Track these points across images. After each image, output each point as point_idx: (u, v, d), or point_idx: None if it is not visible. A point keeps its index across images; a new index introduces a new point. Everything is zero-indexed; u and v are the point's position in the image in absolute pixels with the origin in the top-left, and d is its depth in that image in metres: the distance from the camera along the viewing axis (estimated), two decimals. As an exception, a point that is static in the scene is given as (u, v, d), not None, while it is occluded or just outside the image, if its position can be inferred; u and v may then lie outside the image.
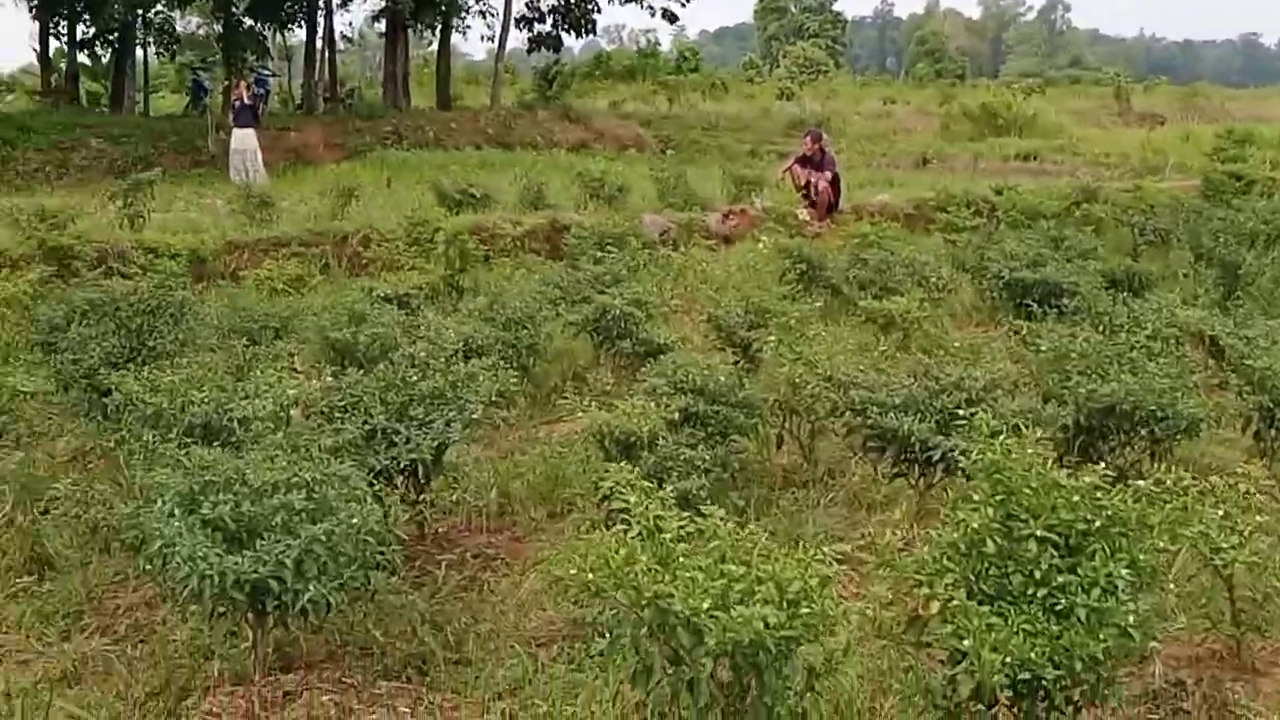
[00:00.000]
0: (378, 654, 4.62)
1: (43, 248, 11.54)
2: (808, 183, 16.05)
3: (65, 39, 31.52)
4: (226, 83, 28.72)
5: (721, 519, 3.49)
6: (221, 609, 3.95)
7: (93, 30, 30.26)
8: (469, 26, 40.26)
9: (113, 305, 7.42)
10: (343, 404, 5.61)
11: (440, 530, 6.02)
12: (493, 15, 35.24)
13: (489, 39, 36.08)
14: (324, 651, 4.67)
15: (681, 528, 3.34)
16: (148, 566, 4.44)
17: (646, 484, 3.65)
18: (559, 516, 6.23)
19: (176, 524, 3.94)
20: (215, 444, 4.96)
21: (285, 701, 4.27)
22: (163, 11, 28.87)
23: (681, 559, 3.20)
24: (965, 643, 3.33)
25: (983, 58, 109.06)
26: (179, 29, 31.82)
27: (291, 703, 4.25)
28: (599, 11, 36.35)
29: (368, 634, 4.71)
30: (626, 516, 3.58)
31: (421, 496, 5.69)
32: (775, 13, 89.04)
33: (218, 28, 30.47)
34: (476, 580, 5.49)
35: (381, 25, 36.52)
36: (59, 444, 7.18)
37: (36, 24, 30.97)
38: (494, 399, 5.93)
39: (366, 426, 5.40)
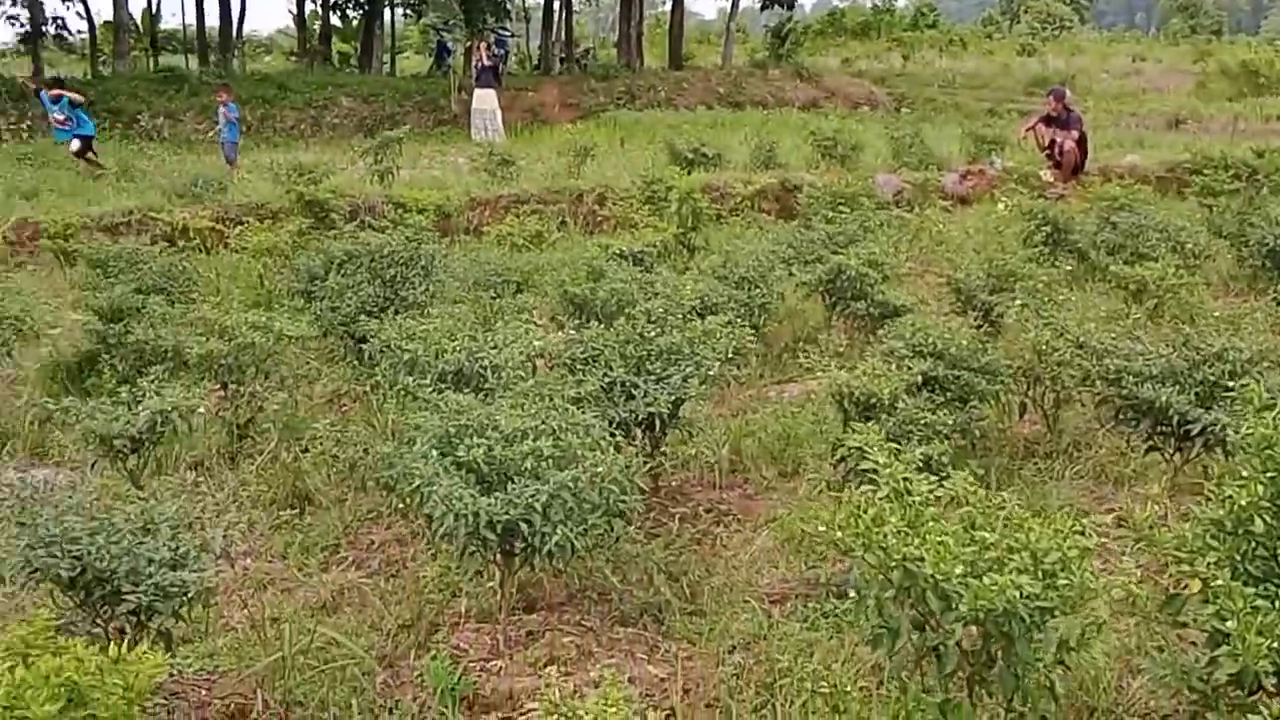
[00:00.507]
0: (615, 600, 4.72)
1: (300, 201, 12.18)
2: (1051, 142, 15.38)
3: (319, 2, 33.12)
4: (468, 44, 29.58)
5: (970, 484, 3.41)
6: (472, 548, 4.11)
7: (346, -6, 31.68)
8: (703, -15, 40.12)
9: (368, 257, 7.77)
10: (584, 356, 5.73)
11: (673, 484, 6.10)
12: (703, -27, 35.06)
13: (723, -2, 35.82)
14: (564, 594, 4.82)
15: (931, 491, 3.28)
16: (402, 505, 4.69)
17: (894, 445, 3.60)
18: (790, 476, 6.22)
19: (433, 465, 4.11)
20: (466, 390, 5.14)
21: (528, 640, 4.43)
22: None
23: (931, 523, 3.14)
24: (1228, 624, 3.17)
25: (1242, 13, 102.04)
26: (424, -9, 32.88)
27: (534, 642, 4.41)
28: (835, -34, 35.69)
29: (606, 580, 4.82)
30: (869, 477, 3.55)
31: (657, 449, 5.78)
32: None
33: (460, -11, 31.35)
34: (709, 534, 5.55)
35: (617, -15, 36.98)
36: (316, 387, 7.60)
37: (295, -13, 32.71)
38: (729, 356, 5.93)
39: (606, 379, 5.50)
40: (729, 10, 37.09)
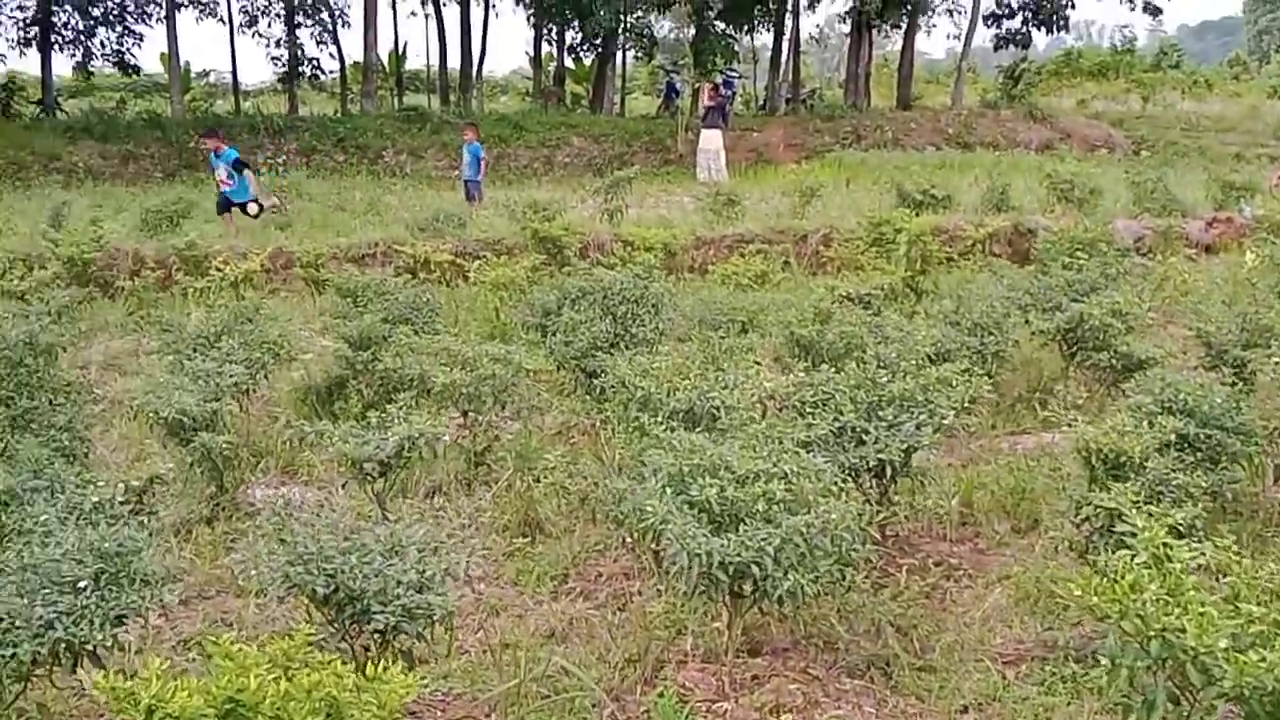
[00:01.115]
0: (842, 649, 4.65)
1: (535, 237, 12.57)
2: (1308, 190, 14.48)
3: (555, 44, 34.20)
4: (696, 84, 30.01)
5: (1236, 553, 3.22)
6: (702, 587, 4.12)
7: (580, 36, 32.56)
8: (934, 25, 39.57)
9: (600, 293, 7.94)
10: (814, 399, 5.69)
11: (901, 533, 5.98)
12: (960, 12, 34.50)
13: (954, 37, 35.28)
14: (789, 640, 4.77)
15: (1192, 558, 3.12)
16: (630, 539, 4.76)
17: (1153, 509, 3.44)
18: (1025, 532, 6.02)
19: (666, 503, 4.15)
20: (697, 429, 5.18)
21: (753, 684, 4.40)
22: (643, 17, 30.56)
23: (1192, 592, 2.98)
24: None
25: None
26: (655, 33, 33.59)
27: (760, 686, 4.38)
28: (1073, 7, 34.67)
29: (833, 629, 4.76)
30: (1120, 540, 3.40)
31: (885, 497, 5.68)
32: (1267, 4, 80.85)
33: (690, 32, 31.83)
34: (938, 588, 5.41)
35: (845, 26, 36.86)
36: (548, 418, 7.80)
37: (531, 30, 33.87)
38: (965, 406, 5.79)
39: (837, 423, 5.45)
40: (960, 50, 36.46)
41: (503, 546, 5.76)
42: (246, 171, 15.42)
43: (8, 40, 30.14)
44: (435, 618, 3.73)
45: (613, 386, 6.17)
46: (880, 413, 5.58)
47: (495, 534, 5.93)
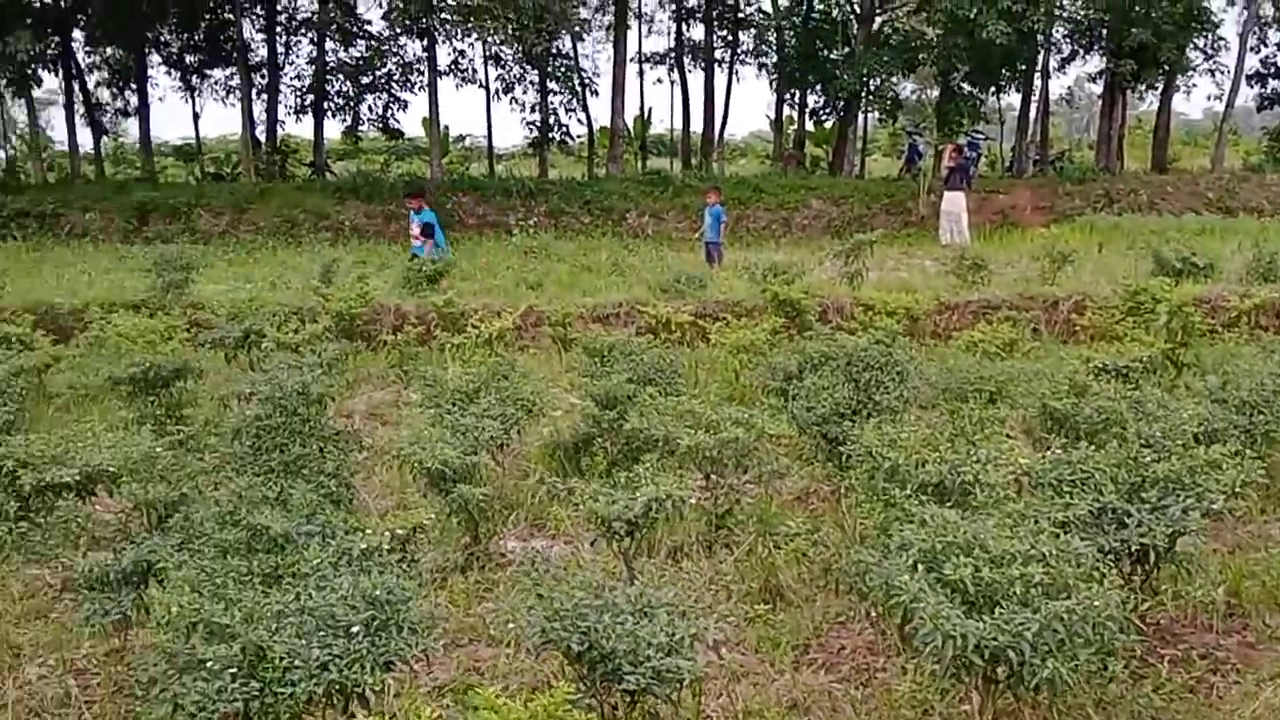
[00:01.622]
0: (1100, 742, 4.45)
1: (775, 300, 12.61)
2: None
3: (797, 107, 34.41)
4: (939, 146, 29.61)
5: None
6: (954, 670, 4.02)
7: (823, 99, 32.66)
8: (1194, 85, 37.82)
9: (843, 359, 7.90)
10: (1072, 478, 5.49)
11: (1162, 621, 5.67)
12: (1222, 72, 32.84)
13: (1214, 98, 33.61)
14: (1041, 728, 4.60)
15: None
16: (874, 613, 4.69)
17: None
18: (1300, 626, 5.62)
19: (919, 581, 4.08)
20: (947, 504, 5.08)
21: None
22: (886, 80, 30.43)
23: None
24: None
25: None
26: (898, 95, 33.34)
27: (1011, 775, 4.23)
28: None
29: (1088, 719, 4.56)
30: None
31: (1147, 583, 5.41)
32: None
33: (934, 93, 31.49)
34: (1203, 682, 5.11)
35: (1096, 86, 35.68)
36: (787, 483, 7.78)
37: (773, 94, 34.21)
38: (1236, 491, 5.47)
39: (1096, 504, 5.24)
40: (1221, 111, 34.67)
41: (744, 612, 5.76)
42: (433, 238, 16.19)
43: (286, 107, 32.43)
44: (684, 682, 3.77)
45: (858, 455, 6.11)
46: (1143, 494, 5.34)
47: (736, 599, 5.94)
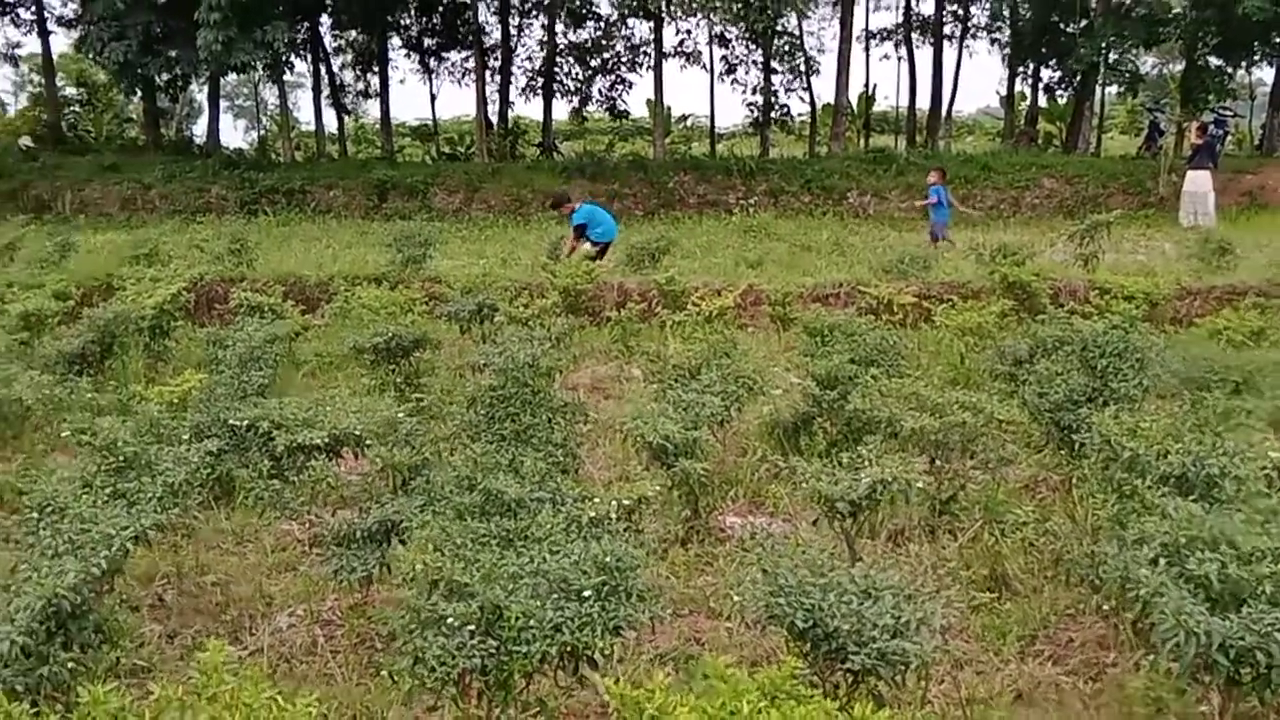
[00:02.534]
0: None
1: (1004, 282, 12.26)
2: None
3: (1030, 82, 33.21)
4: (1182, 123, 28.07)
5: None
6: (1194, 669, 3.87)
7: (1058, 74, 31.42)
8: None
9: (1079, 344, 7.62)
10: (1327, 475, 5.19)
11: None
12: None
13: None
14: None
15: None
16: (1107, 606, 4.54)
17: None
18: None
19: (1160, 575, 3.93)
20: (1189, 497, 4.86)
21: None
22: (1127, 52, 29.00)
23: None
24: None
25: None
26: (1139, 69, 31.74)
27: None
28: None
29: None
30: None
31: None
32: None
33: (1178, 67, 29.87)
34: None
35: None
36: (1013, 470, 7.58)
37: (1005, 69, 33.12)
38: None
39: (1355, 503, 4.93)
40: None
41: (968, 599, 5.67)
42: (585, 238, 16.11)
43: (517, 88, 33.38)
44: (911, 665, 3.75)
45: (1093, 444, 5.91)
46: None
47: (960, 585, 5.85)
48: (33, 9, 32.03)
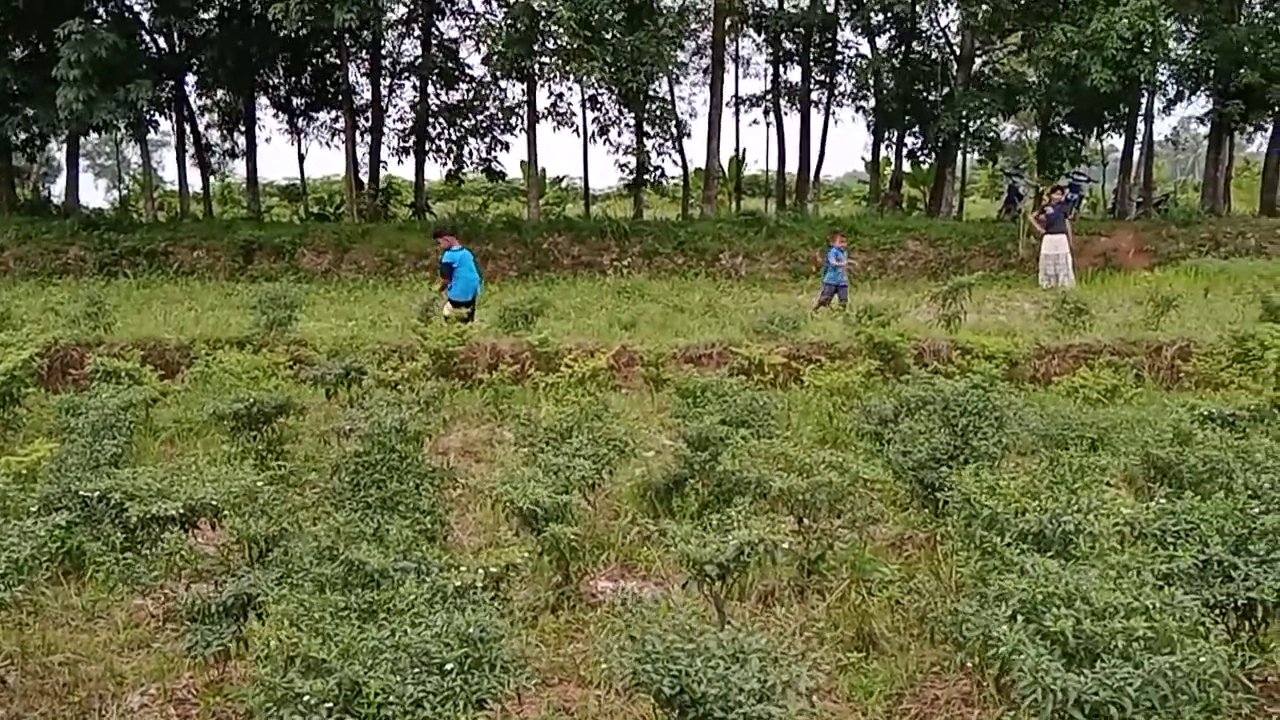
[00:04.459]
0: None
1: (869, 343, 12.51)
2: None
3: (894, 148, 34.22)
4: (1039, 188, 29.20)
5: None
6: (1052, 724, 3.93)
7: (921, 140, 32.44)
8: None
9: (941, 403, 7.79)
10: (1176, 529, 5.34)
11: (1269, 679, 5.47)
12: (1337, 112, 31.87)
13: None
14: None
15: None
16: (970, 664, 4.60)
17: None
18: None
19: (1018, 632, 4.00)
20: (1047, 554, 4.97)
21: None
22: (986, 121, 30.12)
23: None
24: None
25: None
26: (998, 136, 32.97)
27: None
28: None
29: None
30: None
31: (1254, 639, 5.23)
32: None
33: (1033, 134, 31.12)
34: (1316, 748, 4.91)
35: (1203, 128, 34.93)
36: (880, 529, 7.68)
37: (870, 135, 34.08)
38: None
39: (1201, 556, 5.09)
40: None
41: (836, 659, 5.68)
42: (450, 278, 16.25)
43: (389, 149, 33.16)
44: (776, 729, 3.73)
45: (955, 502, 6.01)
46: (1250, 546, 5.17)
47: (828, 646, 5.87)
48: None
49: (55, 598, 6.61)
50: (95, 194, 66.31)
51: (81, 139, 31.28)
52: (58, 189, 39.48)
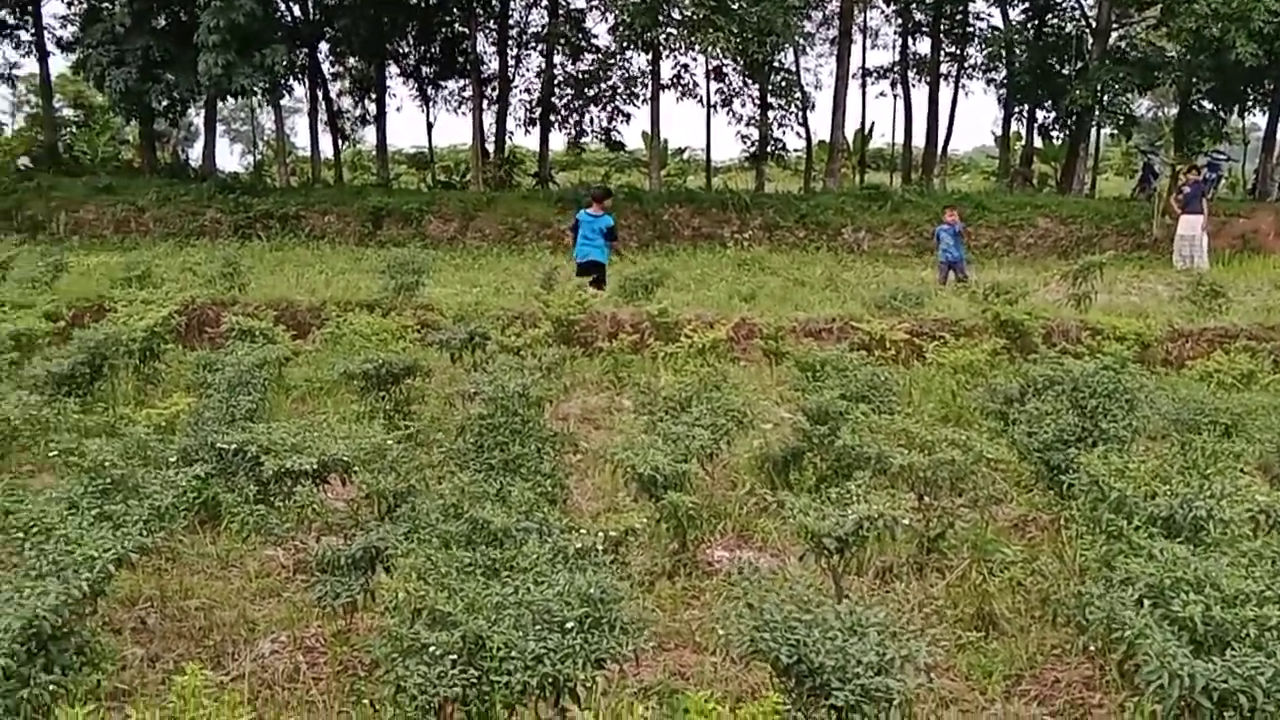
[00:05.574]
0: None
1: (996, 320, 12.28)
2: None
3: (1025, 122, 33.40)
4: (1176, 166, 28.25)
5: None
6: (1177, 712, 3.85)
7: (1053, 115, 31.61)
8: None
9: (1070, 384, 7.63)
10: (1314, 519, 5.19)
11: None
12: None
13: None
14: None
15: None
16: (1093, 647, 4.53)
17: None
18: None
19: (1145, 617, 3.92)
20: (1176, 539, 4.86)
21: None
22: (1121, 95, 29.17)
23: None
24: None
25: None
26: (1133, 112, 31.91)
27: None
28: None
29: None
30: None
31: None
32: None
33: (1170, 111, 30.07)
34: None
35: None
36: (1002, 509, 7.58)
37: (1000, 109, 33.32)
38: None
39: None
40: None
41: (954, 638, 5.64)
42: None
43: (515, 118, 33.50)
44: (894, 702, 3.73)
45: (1081, 484, 5.90)
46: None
47: (946, 623, 5.82)
48: (32, 31, 32.14)
49: (192, 545, 6.87)
50: (230, 159, 68.41)
51: (219, 104, 32.19)
52: (195, 153, 40.74)
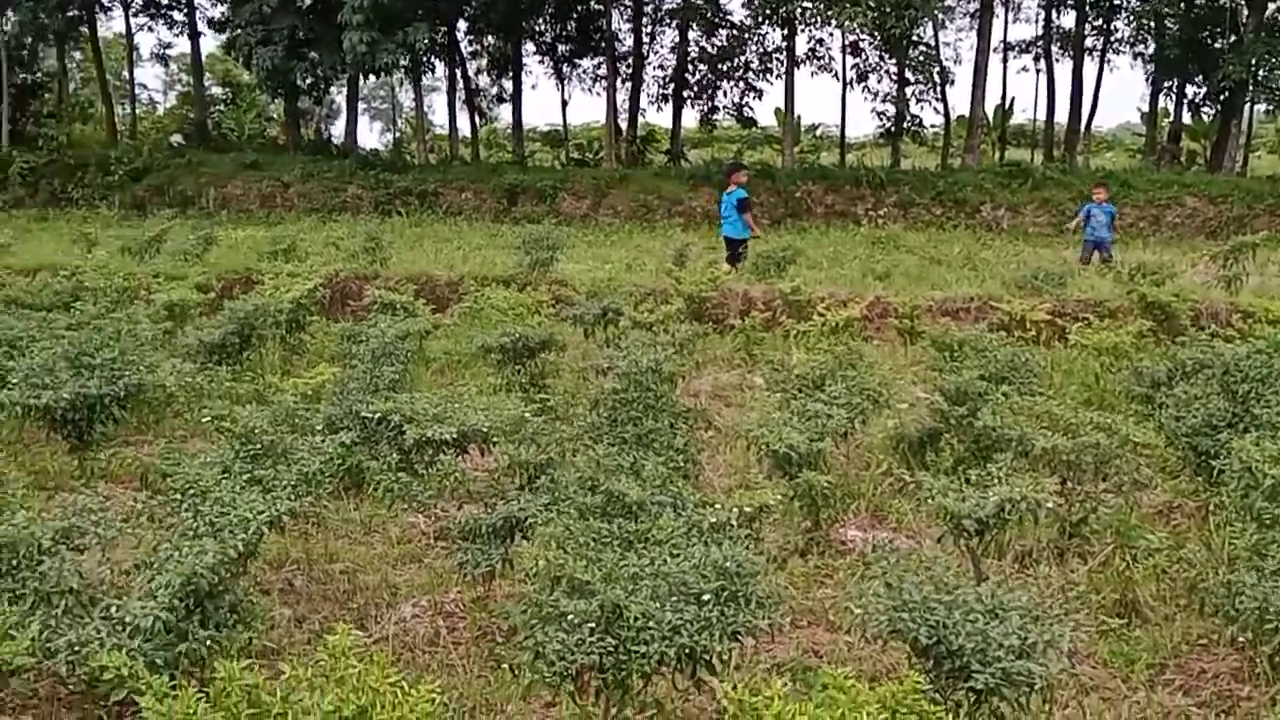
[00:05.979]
0: None
1: (1142, 302, 11.92)
2: None
3: (1174, 98, 32.23)
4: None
5: None
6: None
7: (1204, 90, 30.42)
8: None
9: (1220, 367, 7.37)
10: None
11: None
12: None
13: None
14: None
15: None
16: (1243, 638, 4.39)
17: None
18: None
19: (1304, 607, 3.79)
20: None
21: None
22: (1278, 68, 27.89)
23: None
24: None
25: None
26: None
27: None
28: None
29: None
30: None
31: None
32: None
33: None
34: None
35: None
36: (1147, 495, 7.36)
37: (1148, 84, 32.18)
38: None
39: None
40: None
41: (1096, 624, 5.51)
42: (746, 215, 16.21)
43: (648, 96, 33.57)
44: (1036, 687, 3.67)
45: (1232, 470, 5.70)
46: None
47: (1088, 610, 5.69)
48: (184, 12, 33.33)
49: (336, 511, 7.10)
50: (371, 136, 69.84)
51: (360, 83, 32.95)
52: (337, 131, 41.88)
